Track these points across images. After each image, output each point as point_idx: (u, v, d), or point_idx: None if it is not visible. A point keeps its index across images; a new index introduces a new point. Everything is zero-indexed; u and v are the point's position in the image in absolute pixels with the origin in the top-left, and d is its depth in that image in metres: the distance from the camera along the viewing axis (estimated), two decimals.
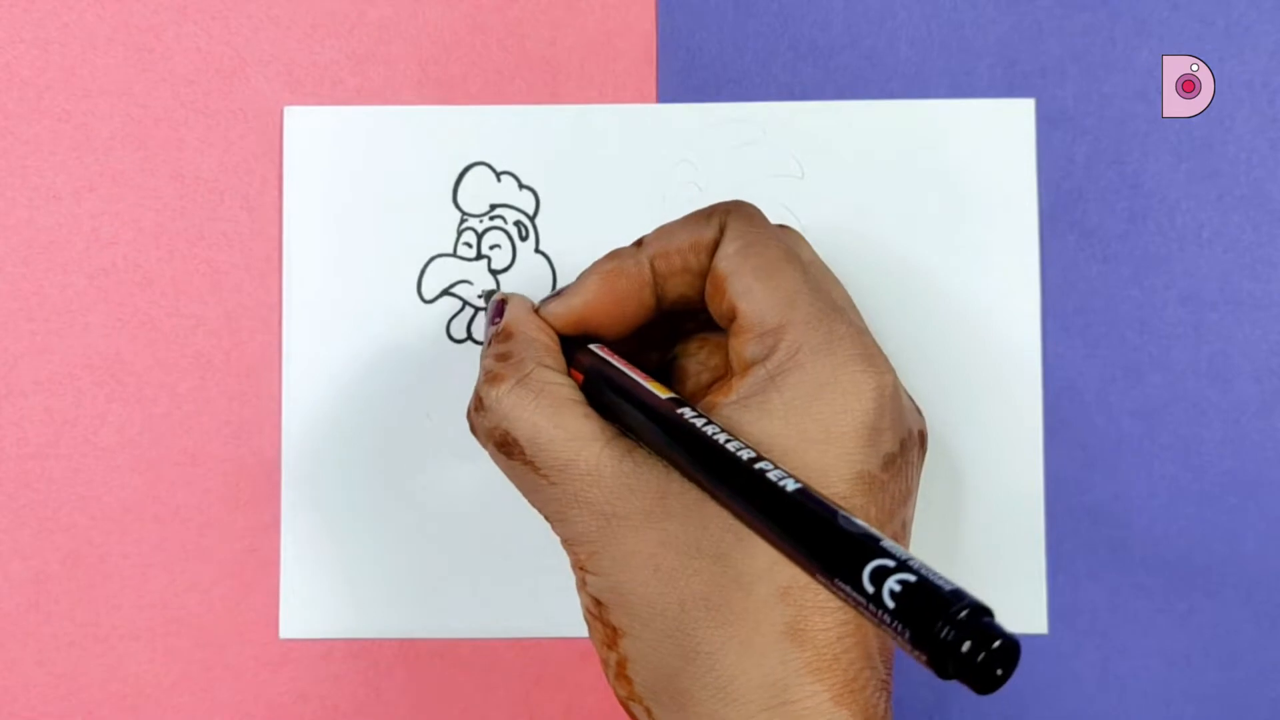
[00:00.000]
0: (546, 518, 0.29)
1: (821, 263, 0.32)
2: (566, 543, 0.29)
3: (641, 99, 0.37)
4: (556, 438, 0.28)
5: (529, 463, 0.29)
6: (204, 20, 0.37)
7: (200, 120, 0.37)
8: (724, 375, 0.31)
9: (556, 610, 0.36)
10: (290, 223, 0.37)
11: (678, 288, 0.30)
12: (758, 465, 0.24)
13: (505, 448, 0.29)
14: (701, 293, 0.30)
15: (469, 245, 0.37)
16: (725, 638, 0.27)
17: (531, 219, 0.37)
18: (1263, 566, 0.36)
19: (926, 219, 0.37)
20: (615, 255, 0.31)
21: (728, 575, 0.27)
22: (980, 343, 0.36)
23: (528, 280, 0.37)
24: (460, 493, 0.36)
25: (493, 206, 0.37)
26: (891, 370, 0.28)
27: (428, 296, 0.37)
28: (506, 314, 0.31)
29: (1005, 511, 0.36)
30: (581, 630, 0.36)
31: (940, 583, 0.20)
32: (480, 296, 0.36)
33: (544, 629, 0.36)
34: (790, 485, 0.23)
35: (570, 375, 0.30)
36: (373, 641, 0.37)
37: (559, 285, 0.37)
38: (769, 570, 0.26)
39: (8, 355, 0.37)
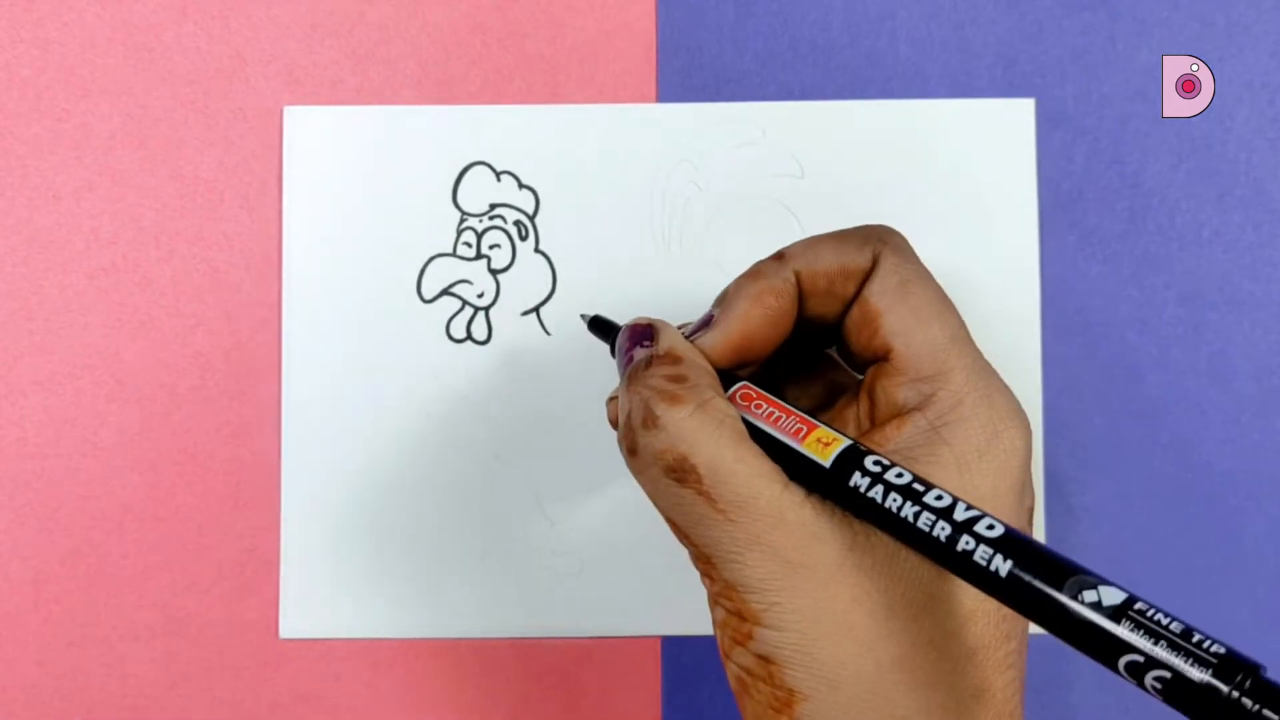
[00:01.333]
0: (711, 558, 0.26)
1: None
2: (735, 590, 0.26)
3: (641, 99, 0.37)
4: (739, 471, 0.26)
5: (705, 493, 0.26)
6: (204, 20, 0.37)
7: (200, 120, 0.37)
8: (826, 404, 0.30)
9: (556, 610, 0.36)
10: (290, 223, 0.37)
11: (817, 308, 0.29)
12: (977, 528, 0.23)
13: (678, 473, 0.26)
14: (838, 316, 0.29)
15: (469, 245, 0.37)
16: (924, 701, 0.25)
17: (531, 219, 0.37)
18: (1263, 566, 0.36)
19: (926, 219, 0.37)
20: (759, 273, 0.29)
21: (923, 636, 0.26)
22: (980, 342, 0.36)
23: (528, 280, 0.37)
24: (460, 492, 0.36)
25: (492, 206, 0.37)
26: (1030, 425, 0.28)
27: (428, 296, 0.37)
28: (665, 339, 0.29)
29: None
30: (582, 631, 0.36)
31: (1201, 671, 0.21)
32: (590, 320, 0.33)
33: (544, 629, 0.36)
34: (1004, 536, 0.23)
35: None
36: (373, 641, 0.37)
37: (558, 284, 0.37)
38: (959, 631, 0.26)
39: (8, 355, 0.37)
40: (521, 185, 0.37)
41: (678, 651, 0.36)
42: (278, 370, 0.37)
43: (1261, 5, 0.37)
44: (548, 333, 0.37)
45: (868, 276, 0.28)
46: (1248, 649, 0.21)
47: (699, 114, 0.37)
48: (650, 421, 0.27)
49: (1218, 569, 0.36)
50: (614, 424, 0.29)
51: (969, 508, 0.24)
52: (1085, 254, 0.37)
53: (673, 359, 0.28)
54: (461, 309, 0.37)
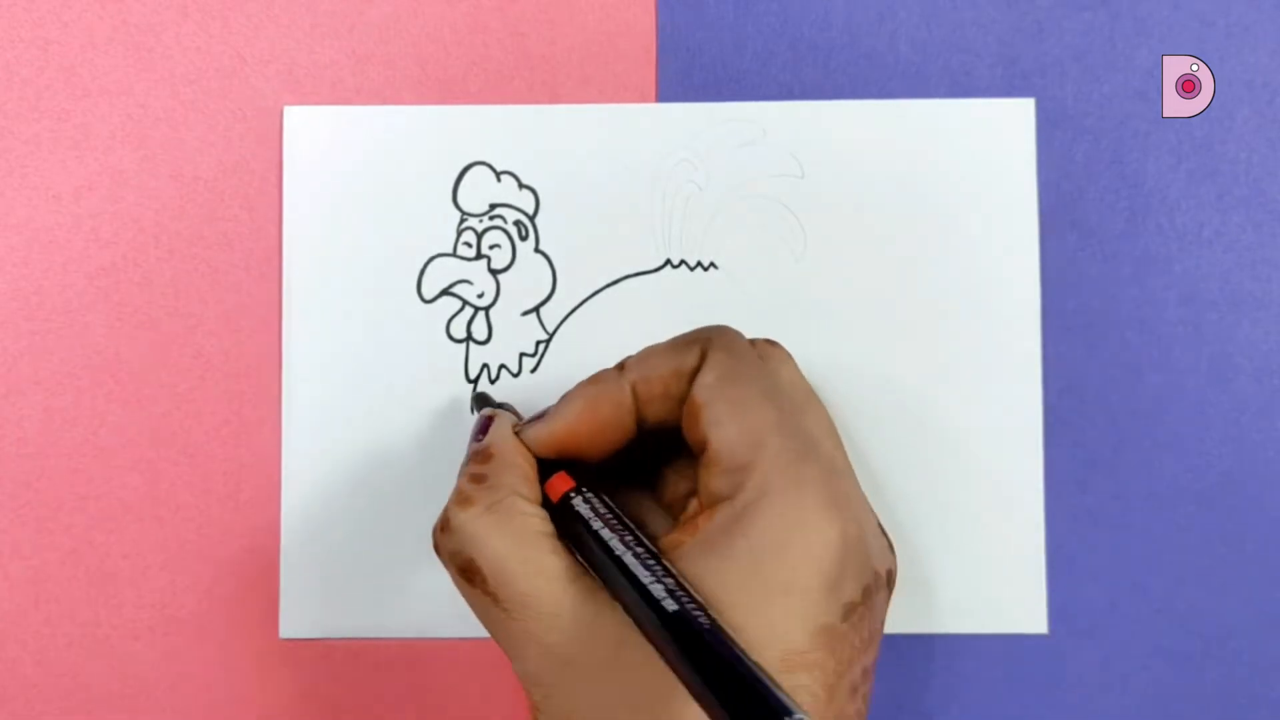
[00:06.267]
0: (504, 651, 0.29)
1: (804, 387, 0.32)
2: (522, 680, 0.28)
3: (641, 99, 0.37)
4: (521, 571, 0.28)
5: (490, 594, 0.28)
6: (204, 20, 0.37)
7: (200, 120, 0.37)
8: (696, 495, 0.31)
9: None
10: (290, 223, 0.37)
11: (658, 413, 0.30)
12: (697, 629, 0.24)
13: (468, 574, 0.28)
14: (679, 418, 0.30)
15: (469, 245, 0.37)
16: None
17: (531, 219, 0.37)
18: (1263, 566, 0.36)
19: (927, 219, 0.37)
20: (598, 380, 0.30)
21: None
22: (980, 343, 0.36)
23: (528, 280, 0.37)
24: None
25: (493, 206, 0.37)
26: (856, 517, 0.28)
27: (428, 296, 0.37)
28: (490, 433, 0.31)
29: (1005, 511, 0.36)
30: None
31: None
32: (474, 398, 0.36)
33: None
34: (723, 654, 0.24)
35: (545, 499, 0.30)
36: (373, 641, 0.37)
37: (558, 284, 0.37)
38: None
39: (8, 355, 0.37)
40: (521, 185, 0.37)
41: None
42: (278, 370, 0.37)
43: (1261, 5, 0.37)
44: (548, 333, 0.37)
45: (696, 374, 0.29)
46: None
47: (699, 114, 0.37)
48: (444, 525, 0.29)
49: (1218, 569, 0.36)
50: None
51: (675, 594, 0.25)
52: (1085, 254, 0.37)
53: (484, 457, 0.30)
54: (462, 309, 0.37)
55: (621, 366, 0.30)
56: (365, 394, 0.36)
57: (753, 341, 0.32)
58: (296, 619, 0.36)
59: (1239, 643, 0.36)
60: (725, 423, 0.28)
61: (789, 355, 0.32)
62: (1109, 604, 0.36)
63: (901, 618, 0.36)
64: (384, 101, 0.37)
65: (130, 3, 0.37)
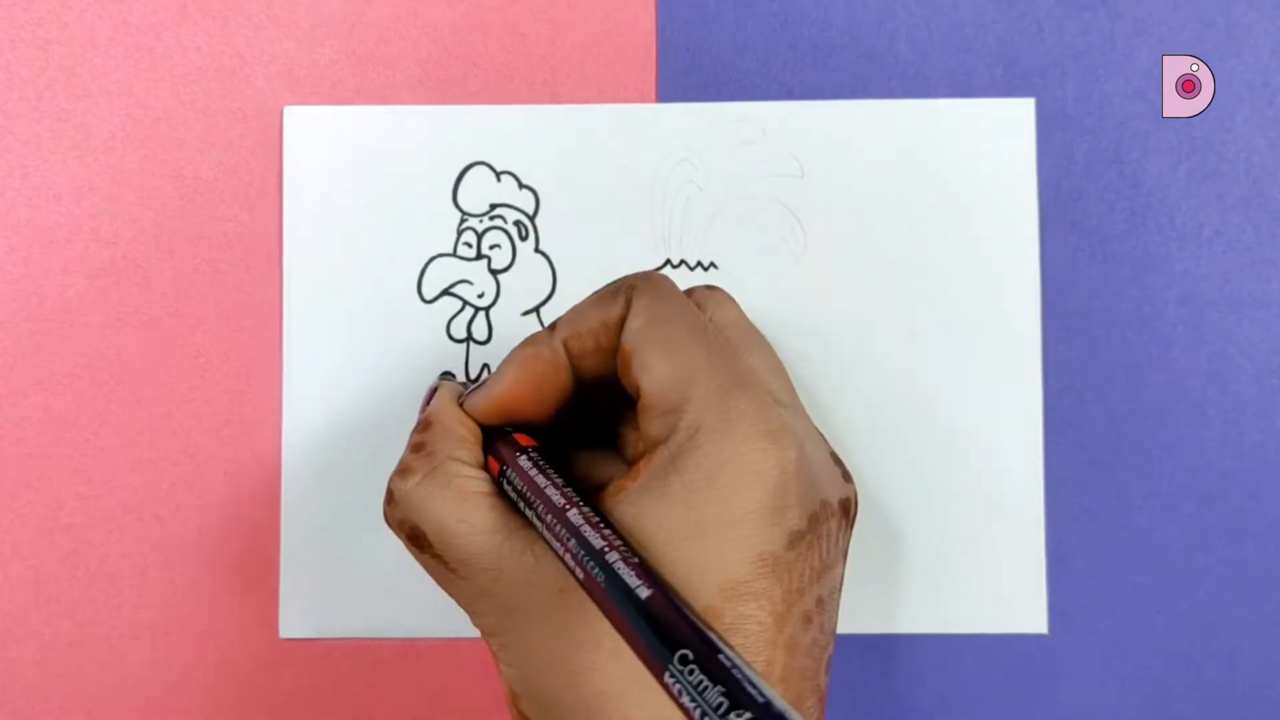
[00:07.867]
0: (463, 609, 0.30)
1: (745, 325, 0.32)
2: (482, 634, 0.29)
3: (641, 99, 0.37)
4: (461, 531, 0.28)
5: (438, 556, 0.29)
6: (204, 20, 0.37)
7: (200, 120, 0.37)
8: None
9: None
10: (290, 223, 0.37)
11: (593, 367, 0.30)
12: (615, 580, 0.25)
13: (416, 540, 0.29)
14: (614, 369, 0.30)
15: (469, 245, 0.37)
16: None
17: (531, 219, 0.37)
18: (1263, 566, 0.36)
19: (926, 219, 0.37)
20: (530, 341, 0.31)
21: (624, 671, 0.27)
22: (980, 342, 0.36)
23: (528, 280, 0.37)
24: None
25: (493, 206, 0.37)
26: (796, 445, 0.28)
27: (428, 296, 0.37)
28: (431, 404, 0.31)
29: (1005, 511, 0.36)
30: None
31: None
32: (441, 376, 0.36)
33: None
34: (643, 593, 0.24)
35: (488, 465, 0.30)
36: (373, 641, 0.37)
37: (558, 284, 0.37)
38: None
39: (8, 355, 0.37)
40: (521, 185, 0.37)
41: None
42: (278, 370, 0.37)
43: (1261, 5, 0.37)
44: None
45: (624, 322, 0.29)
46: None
47: (699, 114, 0.37)
48: (388, 497, 0.30)
49: (1218, 569, 0.36)
50: None
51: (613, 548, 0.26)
52: (1085, 254, 0.37)
53: (423, 426, 0.30)
54: (462, 309, 0.37)
55: (553, 326, 0.31)
56: (365, 394, 0.37)
57: (690, 290, 0.32)
58: (296, 619, 0.36)
59: (1239, 643, 0.36)
60: (655, 366, 0.28)
61: (729, 297, 0.32)
62: (1109, 604, 0.36)
63: (901, 618, 0.36)
64: (384, 101, 0.37)
65: (130, 3, 0.37)
